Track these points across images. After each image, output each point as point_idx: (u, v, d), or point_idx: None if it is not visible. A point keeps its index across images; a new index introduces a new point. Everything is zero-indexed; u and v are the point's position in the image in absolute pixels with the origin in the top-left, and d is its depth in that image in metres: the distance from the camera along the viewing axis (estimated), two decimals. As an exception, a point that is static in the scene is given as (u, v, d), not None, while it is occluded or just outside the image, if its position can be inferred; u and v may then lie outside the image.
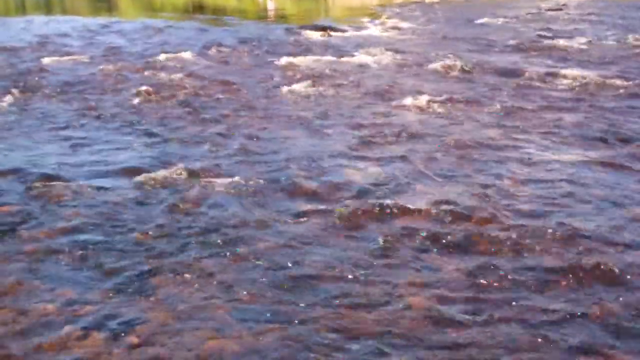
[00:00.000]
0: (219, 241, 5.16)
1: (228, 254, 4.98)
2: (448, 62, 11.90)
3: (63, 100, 9.48)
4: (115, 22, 19.97)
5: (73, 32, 15.26)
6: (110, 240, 5.22)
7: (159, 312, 4.25)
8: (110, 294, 4.46)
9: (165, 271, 4.74)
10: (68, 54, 12.94)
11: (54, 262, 4.89)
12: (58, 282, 4.62)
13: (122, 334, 4.01)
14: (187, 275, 4.68)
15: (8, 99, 9.34)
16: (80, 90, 10.03)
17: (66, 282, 4.62)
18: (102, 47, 13.70)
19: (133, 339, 3.96)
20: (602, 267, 4.71)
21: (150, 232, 5.33)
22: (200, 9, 26.47)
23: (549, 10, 21.89)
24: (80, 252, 5.02)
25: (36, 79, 10.76)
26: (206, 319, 4.16)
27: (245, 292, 4.47)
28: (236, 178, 6.44)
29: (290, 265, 4.82)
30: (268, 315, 4.21)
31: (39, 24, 19.18)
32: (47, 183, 6.30)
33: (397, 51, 13.08)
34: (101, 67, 11.70)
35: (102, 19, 20.84)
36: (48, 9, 26.02)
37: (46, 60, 12.18)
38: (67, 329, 4.07)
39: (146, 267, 4.78)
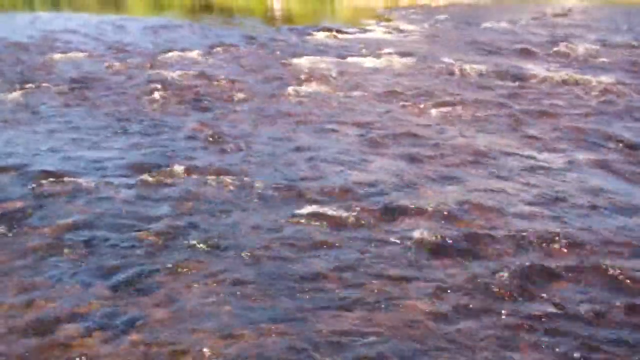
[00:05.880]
0: (221, 241, 5.17)
1: (231, 253, 5.00)
2: (453, 65, 11.91)
3: (69, 97, 9.51)
4: (122, 19, 20.00)
5: (80, 29, 15.30)
6: (113, 237, 5.24)
7: (161, 310, 4.26)
8: (113, 292, 4.47)
9: (168, 270, 4.75)
10: (75, 50, 12.98)
11: (57, 259, 4.91)
12: (61, 279, 4.63)
13: (124, 333, 4.02)
14: (189, 274, 4.70)
15: (15, 94, 9.38)
16: (87, 88, 10.05)
17: (69, 279, 4.64)
18: (110, 44, 13.74)
19: (135, 338, 3.98)
20: (603, 269, 4.76)
21: (152, 230, 5.35)
22: (207, 8, 26.48)
23: (554, 15, 21.84)
24: (83, 249, 5.04)
25: (43, 75, 10.79)
26: (209, 318, 4.17)
27: (248, 292, 4.48)
28: (241, 177, 6.46)
29: (293, 266, 4.83)
30: (271, 315, 4.22)
31: (47, 20, 19.21)
32: (51, 179, 6.32)
33: (402, 54, 13.10)
34: (108, 64, 11.73)
35: (109, 17, 20.88)
36: (55, 5, 26.06)
37: (53, 57, 12.21)
38: (69, 326, 4.08)
39: (148, 266, 4.79)
